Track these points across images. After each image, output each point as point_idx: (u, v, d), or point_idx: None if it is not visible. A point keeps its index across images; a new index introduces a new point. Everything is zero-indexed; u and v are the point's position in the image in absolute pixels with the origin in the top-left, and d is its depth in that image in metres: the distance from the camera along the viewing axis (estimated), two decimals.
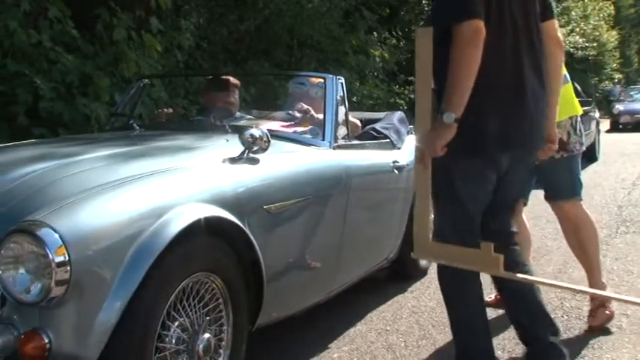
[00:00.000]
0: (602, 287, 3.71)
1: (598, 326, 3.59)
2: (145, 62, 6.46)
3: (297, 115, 3.84)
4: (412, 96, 12.68)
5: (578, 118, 3.66)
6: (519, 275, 2.65)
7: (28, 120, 5.35)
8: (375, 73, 11.95)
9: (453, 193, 2.69)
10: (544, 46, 2.71)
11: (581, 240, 3.69)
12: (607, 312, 3.61)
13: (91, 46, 6.21)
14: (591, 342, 3.40)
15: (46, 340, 1.94)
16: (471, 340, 2.84)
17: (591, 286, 3.69)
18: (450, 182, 2.67)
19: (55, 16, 5.82)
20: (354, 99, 10.39)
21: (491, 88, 2.52)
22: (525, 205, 3.78)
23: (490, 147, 2.61)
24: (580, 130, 3.62)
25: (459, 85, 2.42)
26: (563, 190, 3.62)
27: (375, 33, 12.41)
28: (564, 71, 3.57)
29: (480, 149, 2.61)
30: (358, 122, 4.32)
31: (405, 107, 12.07)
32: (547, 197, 3.69)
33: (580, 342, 3.41)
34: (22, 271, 1.96)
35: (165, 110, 4.63)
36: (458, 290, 2.83)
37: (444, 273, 2.85)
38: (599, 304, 3.65)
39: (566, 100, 3.53)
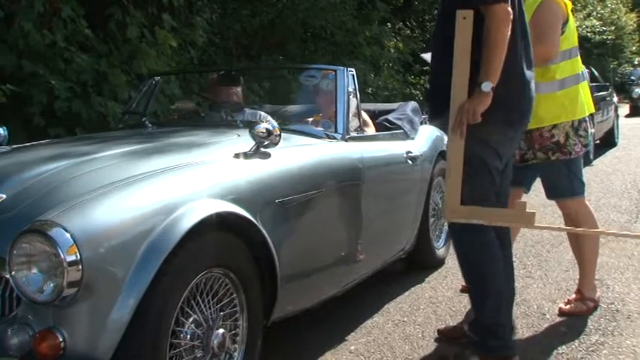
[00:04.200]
0: (593, 289, 3.68)
1: (567, 312, 3.61)
2: (159, 59, 6.48)
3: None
4: (428, 85, 12.59)
5: (586, 119, 3.57)
6: (560, 227, 2.82)
7: (44, 120, 5.39)
8: (390, 64, 11.89)
9: (484, 162, 2.86)
10: None
11: (579, 236, 3.65)
12: (584, 306, 3.61)
13: (104, 45, 6.24)
14: (610, 328, 3.38)
15: (61, 339, 1.95)
16: (500, 308, 2.92)
17: (582, 285, 3.66)
18: (484, 152, 2.85)
19: (69, 15, 5.84)
20: (369, 90, 10.36)
21: (524, 67, 2.89)
22: (526, 192, 3.75)
23: (519, 119, 2.93)
24: (585, 131, 3.52)
25: (496, 58, 2.72)
26: (561, 190, 3.57)
27: (388, 24, 12.35)
28: (581, 69, 3.55)
29: (516, 121, 2.92)
30: (369, 120, 4.27)
31: (421, 97, 12.01)
32: (547, 195, 3.66)
33: (600, 329, 3.38)
34: (34, 270, 1.97)
35: (181, 104, 4.62)
36: (487, 261, 2.92)
37: (471, 247, 2.94)
38: (579, 297, 3.62)
39: (571, 101, 3.49)
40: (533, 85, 2.95)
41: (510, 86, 2.81)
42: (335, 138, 3.46)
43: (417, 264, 4.54)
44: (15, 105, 5.25)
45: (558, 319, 3.55)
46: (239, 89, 4.15)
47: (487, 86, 2.72)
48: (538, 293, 3.98)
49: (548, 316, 3.60)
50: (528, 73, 2.92)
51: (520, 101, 2.91)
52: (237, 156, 2.76)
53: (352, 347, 3.27)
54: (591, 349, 3.15)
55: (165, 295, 2.16)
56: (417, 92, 12.25)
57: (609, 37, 29.14)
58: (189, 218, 2.24)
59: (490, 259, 2.92)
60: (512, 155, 3.12)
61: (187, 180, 2.47)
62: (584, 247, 3.64)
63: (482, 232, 2.87)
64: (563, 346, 3.20)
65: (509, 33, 2.74)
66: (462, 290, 4.05)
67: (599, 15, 28.44)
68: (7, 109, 5.11)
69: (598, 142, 10.62)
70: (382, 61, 11.68)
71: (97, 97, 5.75)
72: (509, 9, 2.73)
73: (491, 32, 2.72)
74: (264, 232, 2.55)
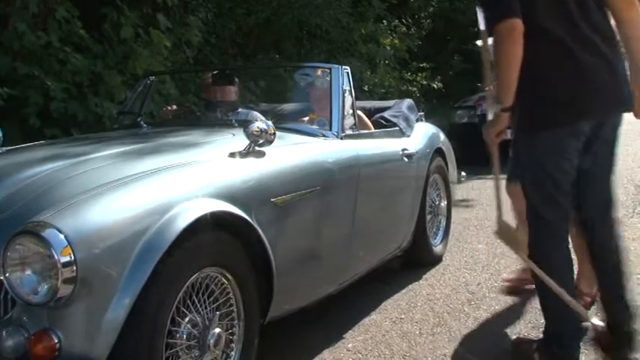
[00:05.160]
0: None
1: None
2: (154, 59, 6.47)
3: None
4: (424, 82, 12.60)
5: None
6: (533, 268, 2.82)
7: (40, 121, 5.39)
8: (386, 62, 11.88)
9: (537, 167, 2.81)
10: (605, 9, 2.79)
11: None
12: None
13: (99, 46, 6.23)
14: None
15: (56, 340, 1.95)
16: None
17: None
18: (533, 158, 2.81)
19: (63, 16, 5.84)
20: (365, 88, 10.34)
21: (556, 66, 2.70)
22: None
23: (567, 117, 2.74)
24: None
25: (502, 78, 2.68)
26: None
27: (384, 21, 12.33)
28: None
29: (555, 121, 2.74)
30: (367, 120, 4.26)
31: (418, 94, 12.00)
32: None
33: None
34: (28, 272, 1.97)
35: (170, 108, 4.63)
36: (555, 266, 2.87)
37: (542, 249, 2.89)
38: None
39: None
40: (588, 68, 2.68)
41: (541, 86, 2.72)
42: (330, 136, 3.45)
43: (414, 261, 4.53)
44: (11, 106, 5.25)
45: None
46: (234, 88, 4.14)
47: (497, 108, 2.73)
48: None
49: None
50: (570, 62, 2.69)
51: (558, 94, 2.71)
52: (232, 155, 2.76)
53: (350, 345, 3.27)
54: (589, 343, 3.15)
55: (160, 295, 2.15)
56: (414, 89, 12.24)
57: None
58: (184, 218, 2.23)
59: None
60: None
61: (182, 179, 2.46)
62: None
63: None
64: None
65: (514, 49, 2.61)
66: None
67: None
68: (2, 110, 5.10)
69: None
70: (378, 59, 11.66)
71: (93, 98, 5.74)
72: (515, 23, 2.59)
73: (495, 52, 2.67)
74: (259, 231, 2.55)
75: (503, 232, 2.96)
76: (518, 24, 2.60)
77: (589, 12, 2.71)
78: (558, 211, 2.82)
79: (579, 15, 2.70)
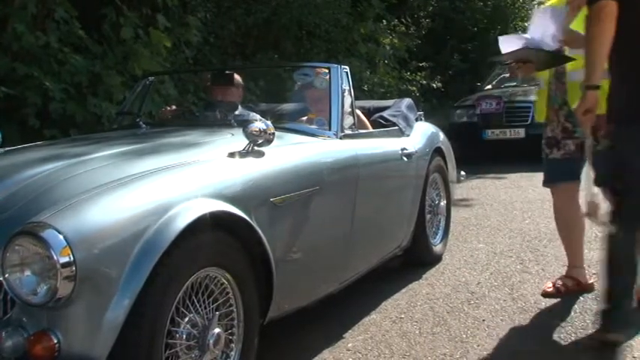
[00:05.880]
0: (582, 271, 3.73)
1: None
2: (153, 60, 6.46)
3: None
4: (423, 82, 12.60)
5: None
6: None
7: (39, 122, 5.39)
8: (386, 61, 11.88)
9: (614, 157, 2.83)
10: None
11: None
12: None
13: (99, 46, 6.23)
14: None
15: (55, 341, 1.94)
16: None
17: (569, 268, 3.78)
18: (613, 146, 2.84)
19: (62, 17, 5.84)
20: (365, 87, 10.34)
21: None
22: None
23: (621, 115, 2.83)
24: None
25: (589, 56, 2.77)
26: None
27: (384, 20, 12.34)
28: None
29: (633, 115, 2.81)
30: (365, 120, 4.25)
31: (417, 94, 12.00)
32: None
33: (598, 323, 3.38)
34: (28, 273, 1.96)
35: (169, 108, 4.63)
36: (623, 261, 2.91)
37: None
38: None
39: None
40: None
41: (614, 81, 2.81)
42: (329, 136, 3.45)
43: (414, 261, 4.53)
44: (9, 107, 5.25)
45: (556, 314, 3.55)
46: (234, 88, 4.14)
47: (584, 85, 2.77)
48: (535, 288, 3.98)
49: (545, 311, 3.60)
50: None
51: (622, 97, 2.83)
52: (231, 155, 2.76)
53: (350, 345, 3.27)
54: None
55: (160, 295, 2.15)
56: (413, 88, 12.24)
57: None
58: (183, 218, 2.23)
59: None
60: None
61: (181, 180, 2.46)
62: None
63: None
64: (561, 341, 3.20)
65: (604, 29, 2.70)
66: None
67: None
68: (1, 111, 5.10)
69: None
70: (377, 58, 11.67)
71: (91, 99, 5.75)
72: (606, 4, 2.69)
73: (586, 31, 2.77)
74: (258, 230, 2.55)
75: (593, 213, 2.97)
76: (610, 5, 2.69)
77: None
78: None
79: None
